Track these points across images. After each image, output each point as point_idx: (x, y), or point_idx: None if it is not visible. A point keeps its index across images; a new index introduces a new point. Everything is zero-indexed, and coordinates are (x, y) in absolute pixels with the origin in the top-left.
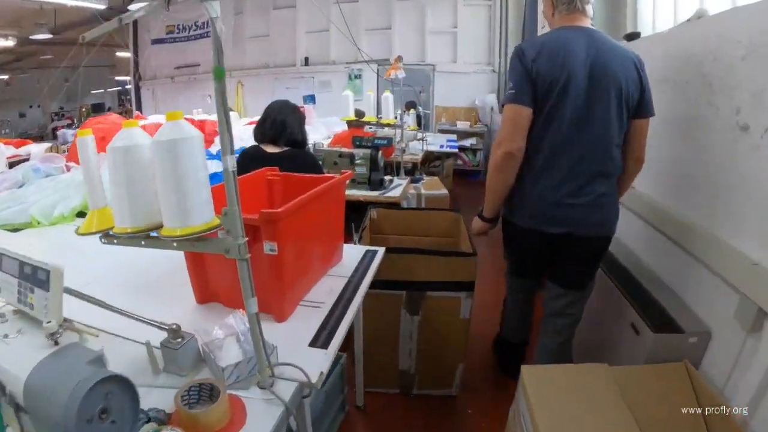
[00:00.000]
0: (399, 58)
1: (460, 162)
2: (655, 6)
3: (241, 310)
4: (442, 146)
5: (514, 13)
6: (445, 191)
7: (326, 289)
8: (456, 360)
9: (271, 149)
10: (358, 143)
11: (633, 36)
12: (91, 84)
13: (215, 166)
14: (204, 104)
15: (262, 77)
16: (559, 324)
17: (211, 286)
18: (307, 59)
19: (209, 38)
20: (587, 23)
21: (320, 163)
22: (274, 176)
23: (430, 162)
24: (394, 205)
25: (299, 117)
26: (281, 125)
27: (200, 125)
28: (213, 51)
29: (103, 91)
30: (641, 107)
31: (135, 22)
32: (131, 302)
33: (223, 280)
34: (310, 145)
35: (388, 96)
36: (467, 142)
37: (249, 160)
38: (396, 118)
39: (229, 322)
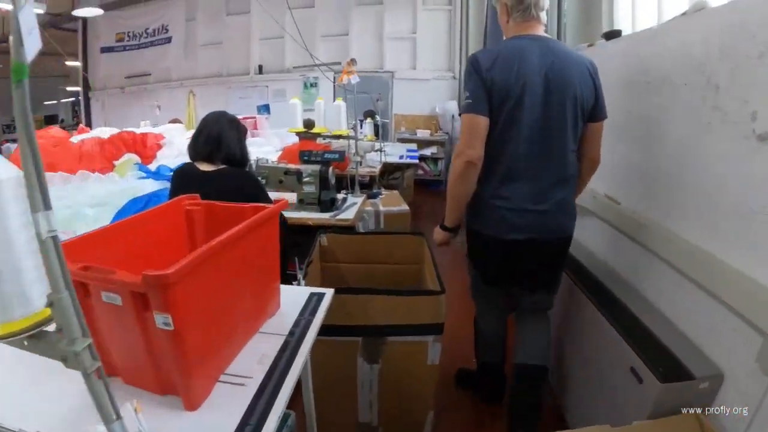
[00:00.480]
0: (352, 62)
1: (420, 172)
2: (635, 2)
3: (135, 400)
4: (401, 157)
5: (475, 17)
6: (405, 207)
7: (256, 356)
8: (425, 408)
9: (205, 167)
10: (306, 158)
11: (613, 34)
12: (45, 95)
13: (151, 186)
14: (153, 115)
15: (215, 86)
16: (528, 308)
17: (106, 357)
18: (261, 67)
19: (161, 45)
20: (541, 30)
21: (263, 182)
22: (193, 205)
23: (390, 174)
24: (348, 228)
25: (238, 130)
26: (216, 140)
27: (141, 138)
28: (12, 40)
29: (56, 102)
30: (595, 111)
31: (84, 29)
32: (20, 373)
33: (120, 351)
34: (252, 161)
35: (339, 104)
36: (428, 151)
37: (180, 180)
38: (350, 128)
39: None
